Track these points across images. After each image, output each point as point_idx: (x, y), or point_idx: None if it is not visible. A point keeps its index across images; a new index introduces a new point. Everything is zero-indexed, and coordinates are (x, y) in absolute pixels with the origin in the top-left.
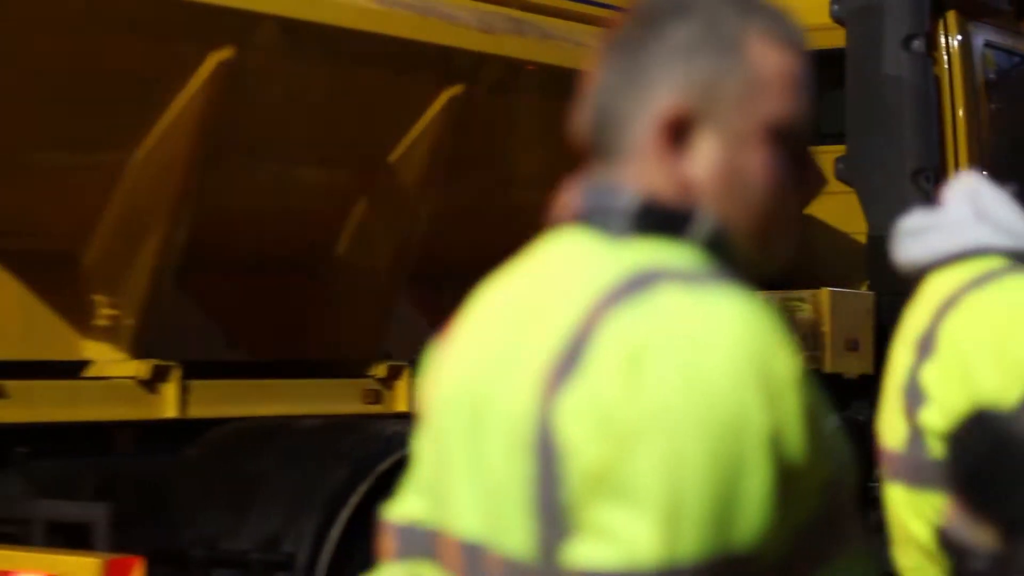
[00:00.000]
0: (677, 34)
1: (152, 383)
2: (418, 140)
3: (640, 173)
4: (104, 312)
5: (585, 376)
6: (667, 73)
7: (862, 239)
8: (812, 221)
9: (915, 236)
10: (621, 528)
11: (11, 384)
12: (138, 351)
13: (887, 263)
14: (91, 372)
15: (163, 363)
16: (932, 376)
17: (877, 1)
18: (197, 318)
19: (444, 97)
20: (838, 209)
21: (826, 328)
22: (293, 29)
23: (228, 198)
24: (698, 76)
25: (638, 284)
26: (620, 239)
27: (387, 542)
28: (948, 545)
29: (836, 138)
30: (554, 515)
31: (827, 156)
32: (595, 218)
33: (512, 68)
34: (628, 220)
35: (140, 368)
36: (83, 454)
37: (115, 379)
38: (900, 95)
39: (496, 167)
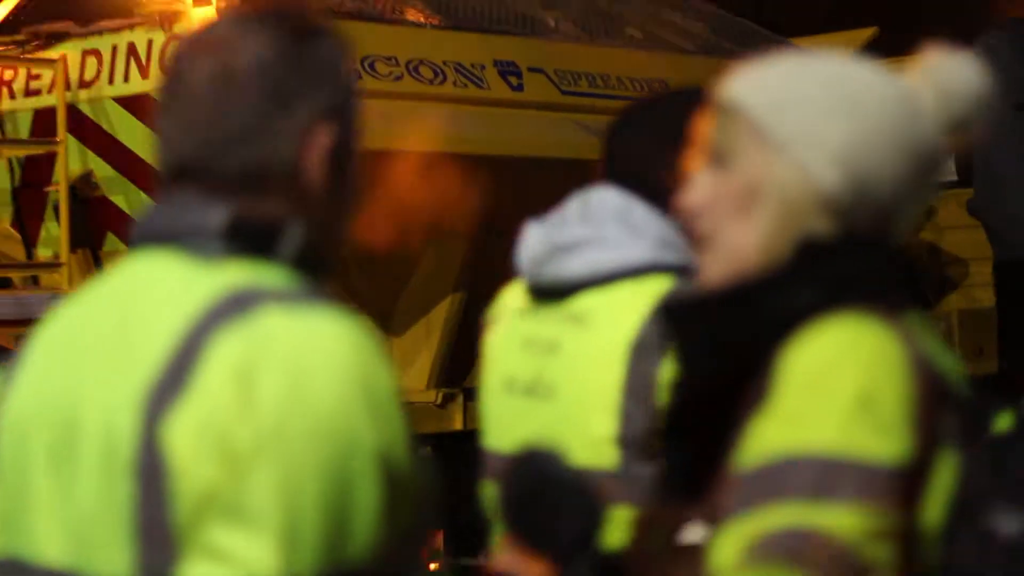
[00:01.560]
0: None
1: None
2: None
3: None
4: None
5: (194, 397)
6: (305, 97)
7: (987, 264)
8: (944, 252)
9: (571, 251)
10: (239, 550)
11: None
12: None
13: (1009, 284)
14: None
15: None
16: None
17: (995, 74)
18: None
19: None
20: (969, 241)
21: (956, 339)
22: None
23: None
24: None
25: (238, 305)
26: (210, 259)
27: None
28: None
29: (966, 183)
30: (160, 538)
31: (961, 196)
32: (182, 239)
33: None
34: (218, 240)
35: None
36: None
37: (418, 403)
38: (1014, 149)
39: None
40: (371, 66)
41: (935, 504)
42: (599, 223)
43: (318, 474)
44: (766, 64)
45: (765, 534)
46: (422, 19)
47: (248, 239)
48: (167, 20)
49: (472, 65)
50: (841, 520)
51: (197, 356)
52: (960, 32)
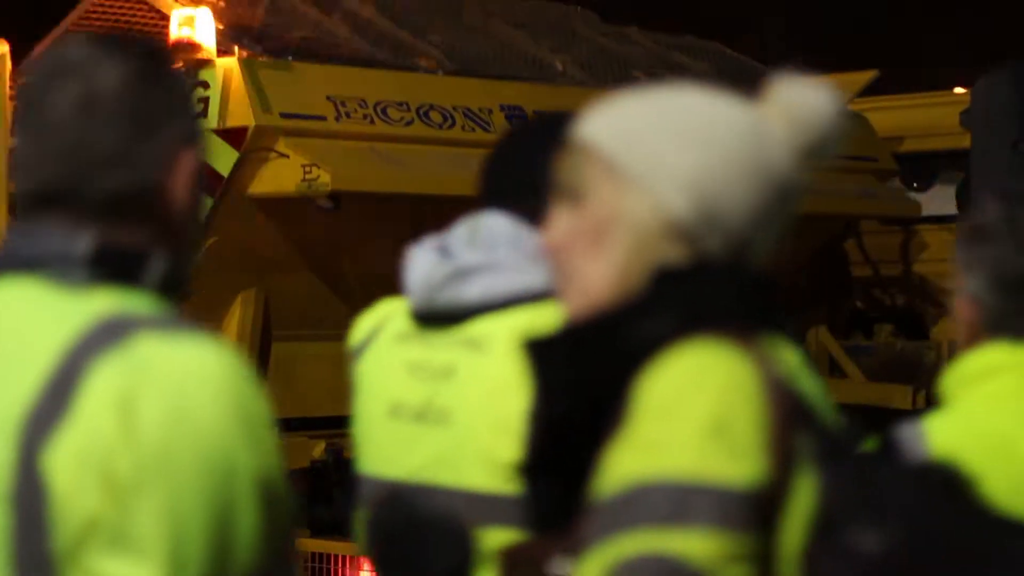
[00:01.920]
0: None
1: None
2: None
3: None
4: None
5: (74, 425)
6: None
7: None
8: (940, 283)
9: (469, 276)
10: None
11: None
12: None
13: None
14: None
15: None
16: None
17: (993, 113)
18: None
19: None
20: None
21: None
22: None
23: None
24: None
25: (112, 333)
26: (75, 287)
27: None
28: None
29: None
30: (39, 566)
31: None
32: (45, 266)
33: None
34: (83, 267)
35: None
36: None
37: None
38: (1011, 186)
39: None
40: (383, 111)
41: (794, 525)
42: (492, 249)
43: (201, 499)
44: (615, 101)
45: (621, 561)
46: (433, 66)
47: (114, 266)
48: (192, 68)
49: (480, 110)
50: (696, 544)
51: (75, 384)
52: (960, 72)
